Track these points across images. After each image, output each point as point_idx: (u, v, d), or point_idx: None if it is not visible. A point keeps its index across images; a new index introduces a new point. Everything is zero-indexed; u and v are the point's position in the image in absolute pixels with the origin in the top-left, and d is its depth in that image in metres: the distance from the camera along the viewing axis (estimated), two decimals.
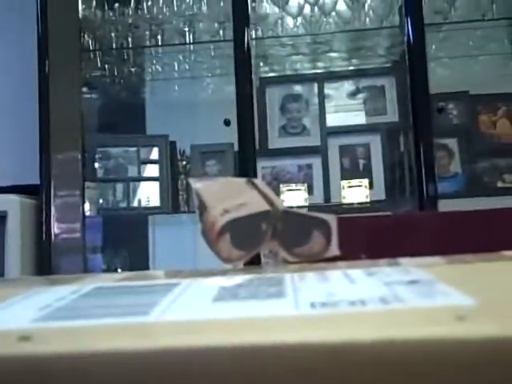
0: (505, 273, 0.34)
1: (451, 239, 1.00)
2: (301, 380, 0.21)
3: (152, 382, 0.22)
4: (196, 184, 0.47)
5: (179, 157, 2.17)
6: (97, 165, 2.12)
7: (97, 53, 2.16)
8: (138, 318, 0.26)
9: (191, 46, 2.15)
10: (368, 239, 1.14)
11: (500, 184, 1.94)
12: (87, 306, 0.30)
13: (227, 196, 0.46)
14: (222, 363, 0.22)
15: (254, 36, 2.00)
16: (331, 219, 0.49)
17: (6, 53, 2.11)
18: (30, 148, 1.89)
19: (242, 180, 0.50)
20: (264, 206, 0.47)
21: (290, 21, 2.08)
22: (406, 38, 1.85)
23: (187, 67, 2.25)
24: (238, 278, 0.35)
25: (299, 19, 2.06)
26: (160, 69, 2.28)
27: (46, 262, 1.79)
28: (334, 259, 0.46)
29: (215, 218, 0.43)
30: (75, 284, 0.37)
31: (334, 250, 0.48)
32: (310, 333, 0.23)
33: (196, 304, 0.29)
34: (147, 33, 2.12)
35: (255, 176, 1.87)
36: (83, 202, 1.89)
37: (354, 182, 1.93)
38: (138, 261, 2.17)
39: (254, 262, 0.50)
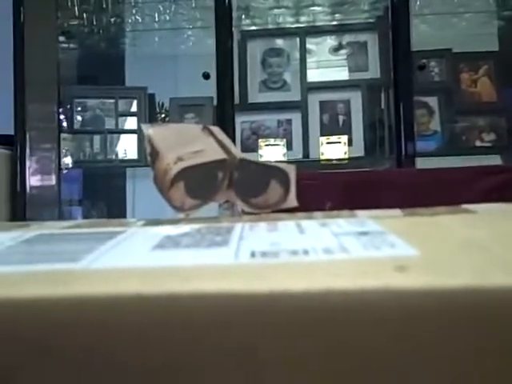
0: (458, 225, 0.33)
1: (425, 196, 1.00)
2: (223, 329, 0.20)
3: (69, 330, 0.21)
4: (148, 129, 0.45)
5: (158, 109, 2.15)
6: (75, 117, 2.09)
7: (74, 1, 2.11)
8: (66, 264, 0.25)
9: None
10: (345, 193, 1.14)
11: (478, 143, 1.93)
12: (21, 252, 0.29)
13: (181, 143, 0.43)
14: (140, 312, 0.20)
15: None
16: (290, 169, 0.47)
17: None
18: (4, 98, 1.84)
19: (198, 127, 0.48)
20: (220, 154, 0.45)
21: None
22: None
23: (168, 18, 2.20)
24: (186, 227, 0.34)
25: None
26: (140, 19, 2.23)
27: (20, 214, 1.77)
28: (293, 210, 0.44)
29: (168, 166, 0.41)
30: (19, 231, 0.35)
31: (292, 200, 0.47)
32: (240, 282, 0.22)
33: (132, 252, 0.28)
34: None
35: (233, 130, 1.85)
36: (59, 154, 1.86)
37: (333, 138, 1.91)
38: (116, 213, 2.15)
39: None
